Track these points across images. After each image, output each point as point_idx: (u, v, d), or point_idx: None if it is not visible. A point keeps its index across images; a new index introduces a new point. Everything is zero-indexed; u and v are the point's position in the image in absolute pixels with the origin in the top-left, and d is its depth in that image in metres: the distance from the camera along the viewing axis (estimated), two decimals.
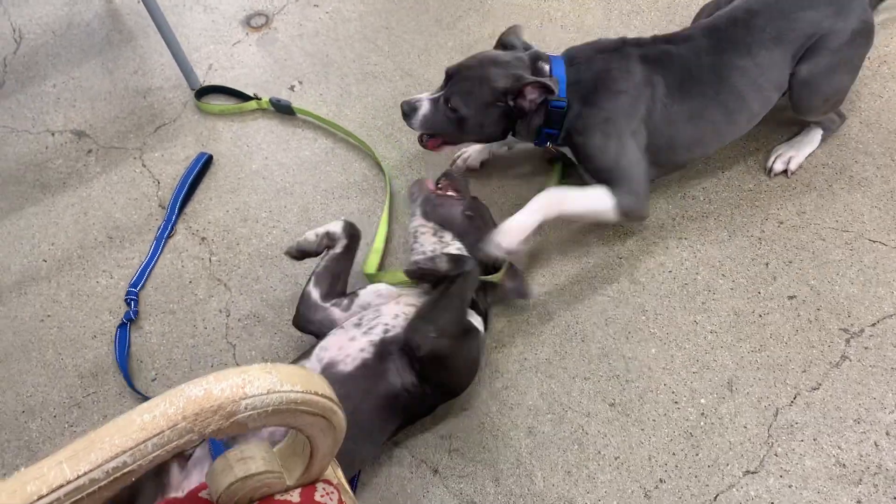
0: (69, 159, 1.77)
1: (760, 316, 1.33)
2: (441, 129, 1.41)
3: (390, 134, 1.72)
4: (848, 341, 1.28)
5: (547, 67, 1.37)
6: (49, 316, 1.53)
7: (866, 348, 1.27)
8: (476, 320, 1.26)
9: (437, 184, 1.45)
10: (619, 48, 1.38)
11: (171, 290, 1.53)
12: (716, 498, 1.16)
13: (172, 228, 1.62)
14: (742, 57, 1.35)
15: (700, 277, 1.40)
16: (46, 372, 1.45)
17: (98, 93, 1.89)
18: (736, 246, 1.43)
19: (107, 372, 1.43)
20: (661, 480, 1.19)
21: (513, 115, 1.37)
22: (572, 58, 1.39)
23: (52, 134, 1.83)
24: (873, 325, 1.29)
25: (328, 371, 1.15)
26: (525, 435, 1.26)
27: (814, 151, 1.52)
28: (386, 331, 1.19)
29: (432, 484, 1.23)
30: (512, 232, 1.30)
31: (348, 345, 1.18)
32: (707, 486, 1.17)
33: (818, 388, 1.24)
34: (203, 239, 1.60)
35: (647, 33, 1.49)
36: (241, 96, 1.80)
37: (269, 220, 1.61)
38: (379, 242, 1.49)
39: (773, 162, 1.51)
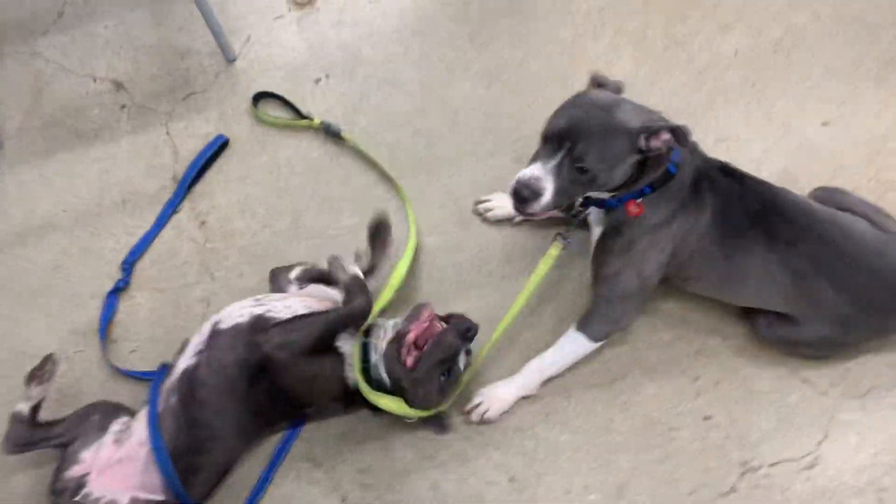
0: (105, 110, 1.90)
1: (671, 429, 1.42)
2: (570, 199, 1.27)
3: (394, 151, 1.78)
4: (742, 475, 1.37)
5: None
6: (60, 266, 1.72)
7: (756, 486, 1.36)
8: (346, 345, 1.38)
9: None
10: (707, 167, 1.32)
11: (165, 267, 1.69)
12: None
13: (178, 205, 1.76)
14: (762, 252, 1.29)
15: (630, 377, 1.48)
16: (48, 321, 1.65)
17: (142, 44, 1.99)
18: (674, 353, 1.49)
19: (96, 334, 1.62)
20: None
21: (646, 162, 1.24)
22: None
23: (94, 80, 1.95)
24: (772, 465, 1.37)
25: (213, 329, 1.37)
26: (429, 487, 1.42)
27: None
28: (269, 311, 1.38)
29: None
30: (494, 405, 1.40)
31: (237, 309, 1.39)
32: None
33: None
34: (203, 223, 1.74)
35: (671, 96, 1.52)
36: (296, 111, 1.83)
37: (264, 218, 1.73)
38: (396, 279, 1.52)
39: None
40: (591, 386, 1.48)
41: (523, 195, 1.19)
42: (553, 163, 1.19)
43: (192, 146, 1.83)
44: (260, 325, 1.36)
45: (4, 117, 1.90)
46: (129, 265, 1.68)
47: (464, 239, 1.66)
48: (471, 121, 1.79)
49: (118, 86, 1.94)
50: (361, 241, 1.59)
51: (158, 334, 1.62)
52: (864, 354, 1.43)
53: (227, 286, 1.66)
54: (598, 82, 1.29)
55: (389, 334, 1.36)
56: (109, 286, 1.67)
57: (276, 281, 1.56)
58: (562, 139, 1.19)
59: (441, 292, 1.60)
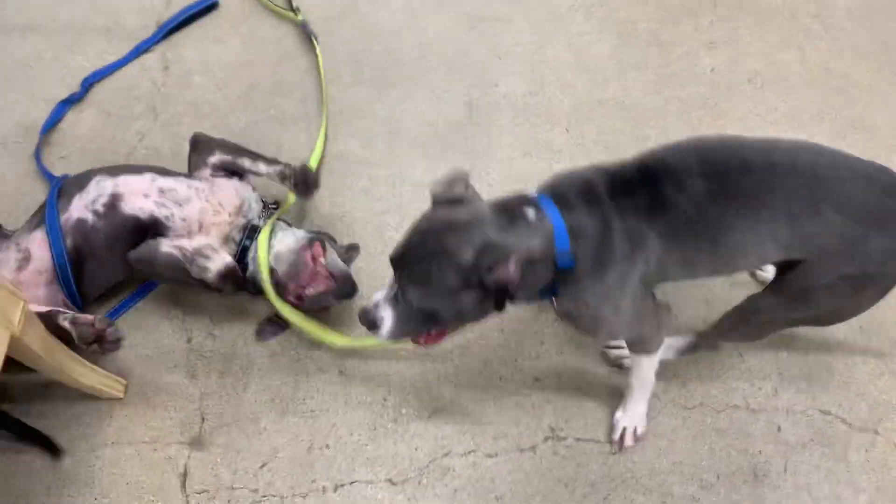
0: None
1: (501, 378, 1.46)
2: (417, 332, 1.11)
3: (361, 62, 1.85)
4: (547, 439, 1.40)
5: (532, 212, 1.04)
6: (29, 66, 1.84)
7: (555, 453, 1.39)
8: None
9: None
10: (599, 198, 1.08)
11: (119, 96, 1.80)
12: None
13: (151, 47, 1.86)
14: (745, 217, 1.09)
15: (485, 326, 1.53)
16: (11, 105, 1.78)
17: None
18: (536, 316, 1.54)
19: (38, 131, 1.73)
20: None
21: (501, 291, 1.00)
22: (561, 197, 1.08)
23: None
24: (578, 439, 1.40)
25: (112, 199, 1.40)
26: (268, 355, 1.50)
27: None
28: (167, 218, 1.41)
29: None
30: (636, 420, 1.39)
31: (141, 196, 1.41)
32: None
33: None
34: (166, 68, 1.84)
35: (630, 89, 1.54)
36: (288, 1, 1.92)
37: (221, 81, 1.83)
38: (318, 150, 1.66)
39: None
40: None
41: (367, 320, 1.08)
42: (391, 292, 1.06)
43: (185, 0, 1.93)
44: (154, 229, 1.40)
45: None
46: (87, 84, 1.79)
47: (386, 158, 1.72)
48: (439, 56, 1.85)
49: None
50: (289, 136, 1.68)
51: (90, 149, 1.72)
52: (711, 370, 1.46)
53: (165, 129, 1.75)
54: (447, 199, 1.06)
55: (284, 248, 1.43)
56: (64, 96, 1.78)
57: (196, 152, 1.51)
58: (395, 267, 1.04)
59: (347, 199, 1.67)
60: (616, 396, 1.44)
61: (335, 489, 1.36)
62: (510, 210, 1.04)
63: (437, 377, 1.47)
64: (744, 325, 1.29)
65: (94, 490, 1.35)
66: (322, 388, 1.46)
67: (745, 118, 1.75)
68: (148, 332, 1.51)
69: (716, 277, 1.43)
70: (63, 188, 1.43)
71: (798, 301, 1.18)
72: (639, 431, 1.40)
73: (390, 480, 1.37)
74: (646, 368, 1.31)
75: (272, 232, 1.45)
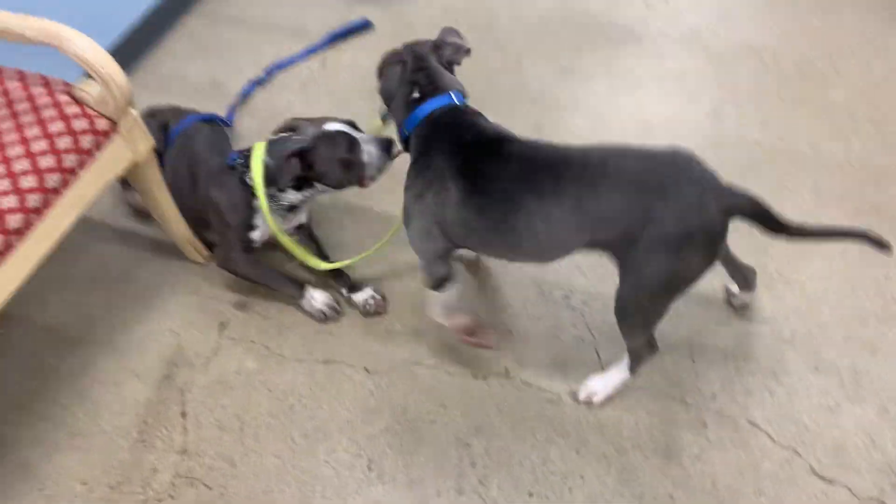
0: None
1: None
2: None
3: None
4: (501, 377, 1.66)
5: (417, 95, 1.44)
6: (234, 47, 2.49)
7: (502, 386, 1.65)
8: None
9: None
10: (457, 129, 1.39)
11: (286, 86, 2.36)
12: None
13: (317, 52, 2.44)
14: (541, 204, 1.28)
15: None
16: (211, 68, 2.43)
17: None
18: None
19: (223, 89, 2.34)
20: None
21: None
22: (450, 107, 1.42)
23: None
24: (524, 383, 1.65)
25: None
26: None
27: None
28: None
29: None
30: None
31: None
32: None
33: None
34: (323, 66, 2.40)
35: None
36: None
37: (357, 78, 2.34)
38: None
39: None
40: None
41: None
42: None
43: (364, 11, 2.50)
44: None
45: None
46: (270, 71, 2.37)
47: None
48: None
49: None
50: None
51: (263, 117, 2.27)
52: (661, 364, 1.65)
53: (306, 104, 2.29)
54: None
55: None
56: (253, 77, 2.38)
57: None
58: None
59: None
60: (564, 349, 1.67)
61: (325, 363, 1.70)
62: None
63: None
64: (627, 318, 1.40)
65: (160, 314, 1.80)
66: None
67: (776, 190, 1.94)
68: None
69: (529, 262, 1.62)
70: None
71: (637, 277, 1.30)
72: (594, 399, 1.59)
73: (366, 369, 1.69)
74: (428, 303, 1.56)
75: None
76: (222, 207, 1.69)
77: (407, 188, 1.45)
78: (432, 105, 1.41)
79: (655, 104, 2.16)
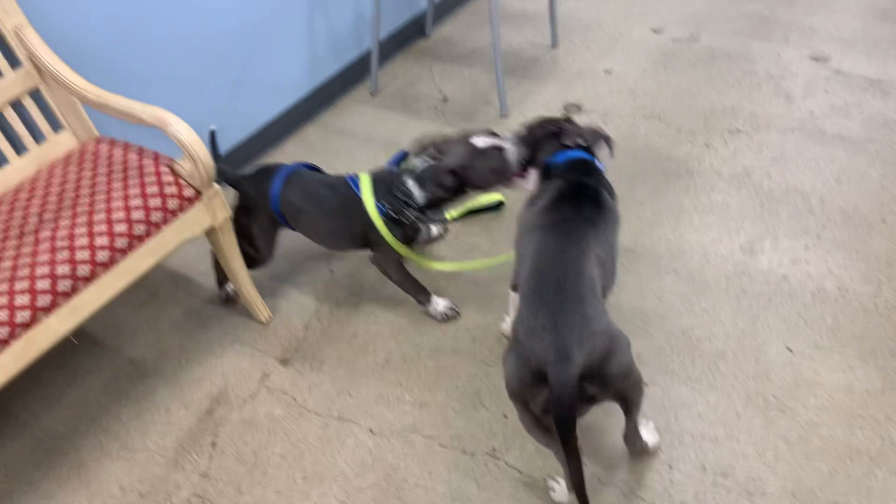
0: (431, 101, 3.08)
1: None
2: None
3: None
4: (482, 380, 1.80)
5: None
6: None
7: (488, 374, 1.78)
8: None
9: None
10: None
11: None
12: None
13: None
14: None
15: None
16: None
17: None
18: None
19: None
20: None
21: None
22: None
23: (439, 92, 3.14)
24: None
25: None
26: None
27: None
28: None
29: None
30: None
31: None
32: None
33: None
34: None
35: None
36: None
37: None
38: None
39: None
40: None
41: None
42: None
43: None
44: None
45: None
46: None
47: None
48: None
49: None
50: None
51: None
52: None
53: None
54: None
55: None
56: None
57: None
58: None
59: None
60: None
61: (339, 419, 1.93)
62: None
63: (438, 382, 1.98)
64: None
65: (218, 359, 2.12)
66: (367, 371, 2.07)
67: (787, 320, 2.00)
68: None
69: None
70: None
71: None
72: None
73: (371, 430, 1.89)
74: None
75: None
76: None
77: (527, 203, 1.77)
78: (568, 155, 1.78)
79: (694, 232, 2.29)
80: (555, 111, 2.92)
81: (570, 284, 1.44)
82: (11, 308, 1.57)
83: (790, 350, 1.92)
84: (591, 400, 1.42)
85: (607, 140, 1.85)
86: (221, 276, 2.26)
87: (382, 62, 3.34)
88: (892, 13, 3.24)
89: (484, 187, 1.91)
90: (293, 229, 2.08)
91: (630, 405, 1.54)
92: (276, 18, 2.75)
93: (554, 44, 3.33)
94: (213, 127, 2.16)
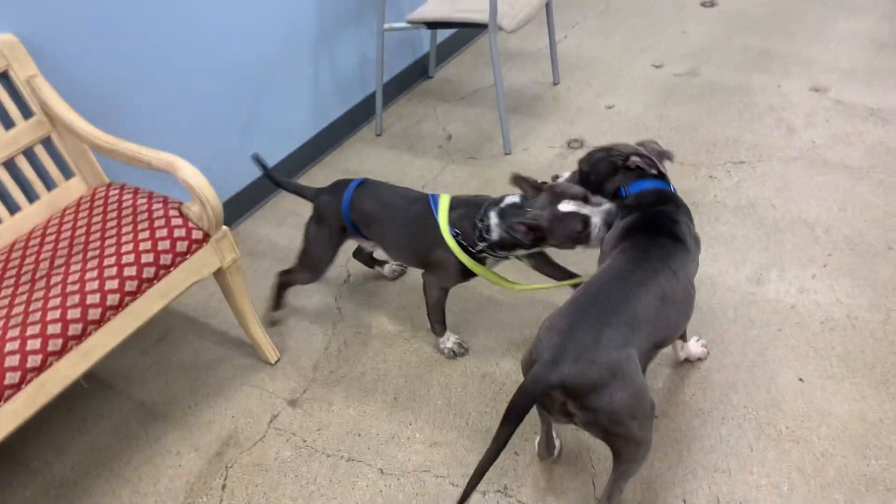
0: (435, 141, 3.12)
1: None
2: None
3: None
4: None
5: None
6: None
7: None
8: None
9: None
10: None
11: None
12: None
13: None
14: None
15: None
16: None
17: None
18: None
19: None
20: None
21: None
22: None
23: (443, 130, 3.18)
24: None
25: None
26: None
27: None
28: None
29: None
30: None
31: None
32: None
33: None
34: None
35: None
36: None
37: None
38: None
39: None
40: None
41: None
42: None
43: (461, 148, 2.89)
44: None
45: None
46: None
47: None
48: None
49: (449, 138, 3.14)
50: None
51: None
52: None
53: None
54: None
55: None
56: None
57: None
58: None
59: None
60: (572, 489, 1.77)
61: (348, 460, 1.92)
62: None
63: (448, 420, 1.97)
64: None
65: (227, 402, 2.12)
66: (376, 410, 2.07)
67: (797, 347, 1.99)
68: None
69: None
70: None
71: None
72: None
73: (381, 470, 1.88)
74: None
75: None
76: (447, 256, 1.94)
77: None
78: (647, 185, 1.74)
79: (701, 264, 2.29)
80: (557, 147, 2.95)
81: (608, 306, 1.43)
82: (23, 353, 1.58)
83: (801, 380, 1.90)
84: (569, 416, 1.42)
85: (667, 154, 1.84)
86: (275, 303, 2.33)
87: (387, 103, 3.39)
88: (890, 43, 3.27)
89: (560, 248, 1.85)
90: (364, 238, 2.12)
91: (616, 459, 1.48)
92: (283, 63, 2.81)
93: (556, 81, 3.38)
94: (255, 153, 2.21)
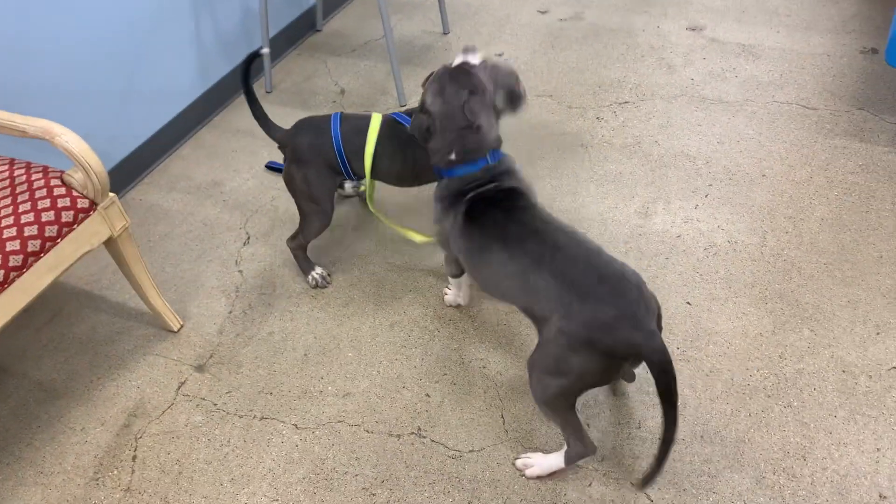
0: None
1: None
2: None
3: None
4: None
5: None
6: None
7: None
8: None
9: None
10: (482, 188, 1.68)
11: None
12: None
13: None
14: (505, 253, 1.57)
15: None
16: None
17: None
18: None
19: None
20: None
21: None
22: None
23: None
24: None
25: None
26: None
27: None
28: None
29: None
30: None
31: None
32: None
33: None
34: None
35: None
36: None
37: None
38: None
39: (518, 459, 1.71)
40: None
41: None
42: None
43: None
44: None
45: None
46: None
47: None
48: None
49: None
50: None
51: None
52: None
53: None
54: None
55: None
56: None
57: None
58: None
59: None
60: (484, 425, 1.83)
61: (261, 419, 1.92)
62: None
63: (360, 371, 1.99)
64: (533, 390, 1.56)
65: (131, 373, 2.07)
66: (287, 368, 2.07)
67: (689, 281, 2.12)
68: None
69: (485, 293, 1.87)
70: None
71: (538, 353, 1.51)
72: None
73: (296, 425, 1.89)
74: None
75: None
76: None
77: (437, 199, 1.76)
78: (467, 169, 1.70)
79: (592, 202, 2.38)
80: None
81: (598, 268, 1.45)
82: None
83: (689, 304, 2.03)
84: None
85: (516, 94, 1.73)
86: (306, 266, 2.25)
87: (275, 59, 3.31)
88: None
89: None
90: (352, 176, 2.07)
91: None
92: (161, 21, 2.68)
93: (445, 31, 3.38)
94: (264, 49, 2.18)
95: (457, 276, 2.00)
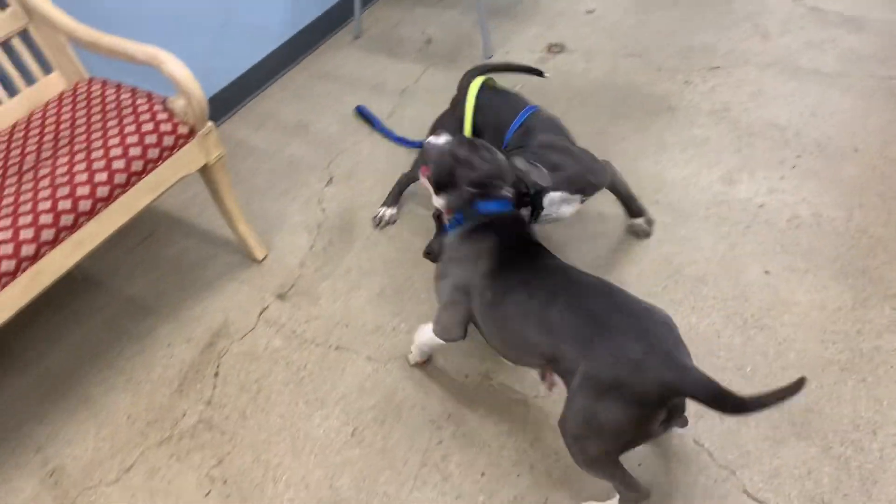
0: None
1: None
2: None
3: None
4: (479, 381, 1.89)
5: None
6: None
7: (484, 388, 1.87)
8: None
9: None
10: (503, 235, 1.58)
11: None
12: None
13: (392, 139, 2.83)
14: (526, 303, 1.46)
15: None
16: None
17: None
18: None
19: None
20: None
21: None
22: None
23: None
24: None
25: None
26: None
27: None
28: None
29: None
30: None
31: None
32: None
33: None
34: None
35: None
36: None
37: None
38: None
39: None
40: None
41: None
42: None
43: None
44: None
45: None
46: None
47: None
48: None
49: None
50: None
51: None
52: None
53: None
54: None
55: None
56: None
57: None
58: None
59: None
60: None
61: (337, 349, 2.00)
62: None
63: (432, 312, 2.05)
64: (570, 448, 1.42)
65: (217, 296, 2.18)
66: (362, 304, 2.14)
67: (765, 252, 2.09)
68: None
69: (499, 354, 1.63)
70: None
71: (568, 408, 1.36)
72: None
73: (369, 357, 1.97)
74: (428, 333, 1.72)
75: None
76: None
77: (449, 249, 1.64)
78: (489, 207, 1.61)
79: (675, 167, 2.36)
80: (538, 52, 2.96)
81: (612, 303, 1.39)
82: (17, 242, 1.61)
83: (767, 273, 2.01)
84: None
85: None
86: (389, 199, 2.31)
87: (365, 5, 3.35)
88: None
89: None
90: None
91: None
92: None
93: None
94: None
95: (457, 340, 1.68)
